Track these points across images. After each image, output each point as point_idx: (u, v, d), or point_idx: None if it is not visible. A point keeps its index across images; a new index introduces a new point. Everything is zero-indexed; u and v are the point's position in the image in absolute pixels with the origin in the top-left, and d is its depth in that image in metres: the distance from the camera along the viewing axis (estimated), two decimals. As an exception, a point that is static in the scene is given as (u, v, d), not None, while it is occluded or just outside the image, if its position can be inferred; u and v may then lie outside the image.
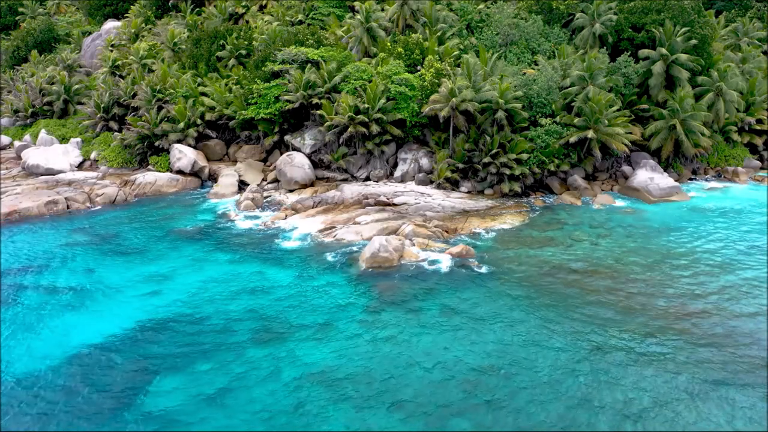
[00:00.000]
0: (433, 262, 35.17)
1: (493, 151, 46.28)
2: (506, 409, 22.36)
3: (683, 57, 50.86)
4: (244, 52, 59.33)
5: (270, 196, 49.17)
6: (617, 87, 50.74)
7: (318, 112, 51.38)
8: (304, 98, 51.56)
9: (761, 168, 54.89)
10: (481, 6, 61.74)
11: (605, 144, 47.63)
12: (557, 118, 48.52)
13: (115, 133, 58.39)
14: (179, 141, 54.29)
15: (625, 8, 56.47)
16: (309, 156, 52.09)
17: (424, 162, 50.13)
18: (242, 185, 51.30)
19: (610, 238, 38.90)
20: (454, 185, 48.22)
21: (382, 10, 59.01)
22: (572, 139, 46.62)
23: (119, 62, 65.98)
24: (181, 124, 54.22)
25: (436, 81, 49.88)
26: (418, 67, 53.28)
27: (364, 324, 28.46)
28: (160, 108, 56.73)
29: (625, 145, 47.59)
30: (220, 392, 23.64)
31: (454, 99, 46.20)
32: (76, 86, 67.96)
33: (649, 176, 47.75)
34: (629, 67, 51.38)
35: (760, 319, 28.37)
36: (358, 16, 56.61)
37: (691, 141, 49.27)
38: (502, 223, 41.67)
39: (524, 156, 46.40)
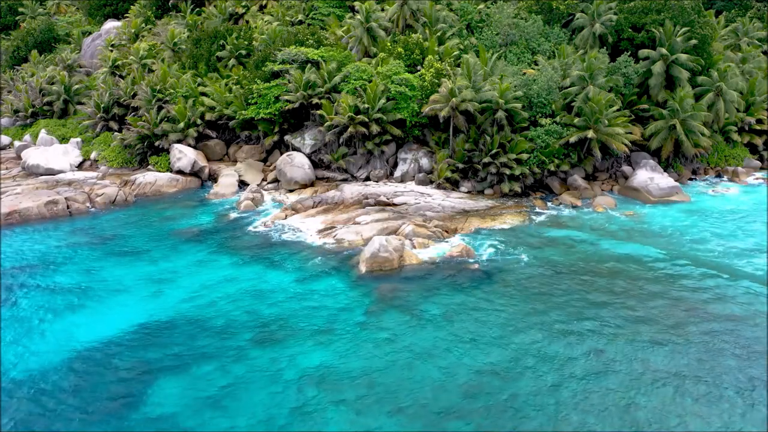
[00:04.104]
0: (433, 263, 35.18)
1: (493, 151, 46.27)
2: (507, 412, 22.36)
3: (683, 57, 50.84)
4: (244, 52, 59.31)
5: (270, 196, 49.19)
6: (617, 87, 50.70)
7: (318, 112, 51.37)
8: (304, 98, 51.55)
9: (761, 168, 54.88)
10: (481, 6, 61.70)
11: (605, 144, 47.61)
12: (557, 118, 48.51)
13: (115, 133, 58.39)
14: (179, 141, 54.29)
15: (625, 8, 56.42)
16: (309, 156, 52.09)
17: (424, 162, 50.13)
18: (242, 185, 51.32)
19: (611, 238, 38.88)
20: (454, 185, 48.21)
21: (382, 10, 58.98)
22: (572, 139, 46.61)
23: (119, 62, 65.94)
24: (181, 124, 54.22)
25: (436, 81, 49.87)
26: (418, 67, 53.26)
27: (365, 326, 28.47)
28: (160, 108, 56.71)
29: (625, 145, 47.56)
30: (221, 394, 23.66)
31: (454, 99, 46.20)
32: (76, 86, 67.96)
33: (649, 176, 47.74)
34: (629, 67, 51.33)
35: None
36: (358, 16, 56.58)
37: (691, 141, 49.25)
38: (502, 223, 41.68)
39: (524, 156, 46.39)
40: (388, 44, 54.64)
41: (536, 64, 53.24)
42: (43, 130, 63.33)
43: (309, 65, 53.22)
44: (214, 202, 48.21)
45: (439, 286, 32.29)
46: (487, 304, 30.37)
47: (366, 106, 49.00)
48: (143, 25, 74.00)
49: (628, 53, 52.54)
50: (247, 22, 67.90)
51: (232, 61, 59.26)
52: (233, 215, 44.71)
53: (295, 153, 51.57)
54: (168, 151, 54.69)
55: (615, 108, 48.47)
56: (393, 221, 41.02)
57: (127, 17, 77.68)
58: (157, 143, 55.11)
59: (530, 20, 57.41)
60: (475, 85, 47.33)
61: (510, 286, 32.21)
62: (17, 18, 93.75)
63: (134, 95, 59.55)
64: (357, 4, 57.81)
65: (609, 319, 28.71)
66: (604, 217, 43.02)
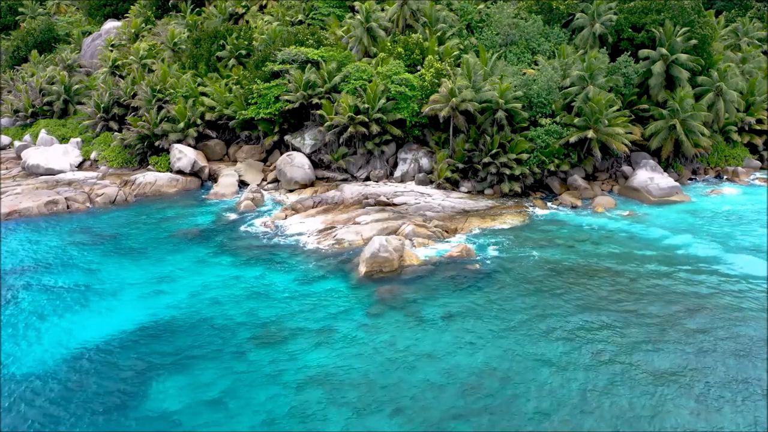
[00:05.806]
0: (433, 263, 35.15)
1: (493, 151, 46.27)
2: (507, 414, 22.34)
3: (683, 57, 50.83)
4: (244, 52, 59.29)
5: (270, 196, 49.20)
6: (617, 87, 50.69)
7: (318, 112, 51.37)
8: (304, 98, 51.55)
9: (761, 168, 54.86)
10: (481, 6, 61.69)
11: (605, 144, 47.60)
12: (557, 118, 48.50)
13: (115, 133, 58.38)
14: (179, 141, 54.27)
15: (625, 8, 56.41)
16: (309, 156, 52.08)
17: (424, 162, 50.13)
18: (242, 185, 51.32)
19: (611, 238, 38.89)
20: (454, 185, 48.21)
21: (382, 10, 58.96)
22: (572, 139, 46.61)
23: (119, 62, 65.92)
24: (181, 124, 54.22)
25: (436, 81, 49.87)
26: (418, 67, 53.26)
27: (364, 327, 28.46)
28: (160, 108, 56.69)
29: (625, 145, 47.56)
30: (221, 395, 23.65)
31: (454, 99, 46.20)
32: (76, 86, 67.93)
33: (649, 176, 47.73)
34: (629, 67, 51.31)
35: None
36: (358, 16, 56.58)
37: (691, 141, 49.24)
38: (502, 223, 41.67)
39: (524, 156, 46.39)
40: (388, 44, 54.64)
41: (536, 64, 53.23)
42: (43, 130, 63.31)
43: (309, 65, 53.22)
44: (214, 202, 48.21)
45: (440, 287, 32.28)
46: (488, 304, 30.36)
47: (366, 106, 49.00)
48: (143, 25, 73.97)
49: (628, 53, 52.51)
50: (247, 22, 67.89)
51: (232, 61, 59.25)
52: (233, 215, 44.70)
53: (295, 153, 51.58)
54: (168, 151, 54.68)
55: (615, 108, 48.46)
56: (393, 221, 41.02)
57: (127, 17, 77.63)
58: (157, 143, 55.10)
59: (530, 20, 57.39)
60: (475, 85, 47.33)
61: (510, 286, 32.20)
62: (17, 18, 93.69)
63: (134, 95, 59.52)
64: (357, 4, 57.80)
65: (609, 318, 28.70)
66: (604, 217, 43.00)
